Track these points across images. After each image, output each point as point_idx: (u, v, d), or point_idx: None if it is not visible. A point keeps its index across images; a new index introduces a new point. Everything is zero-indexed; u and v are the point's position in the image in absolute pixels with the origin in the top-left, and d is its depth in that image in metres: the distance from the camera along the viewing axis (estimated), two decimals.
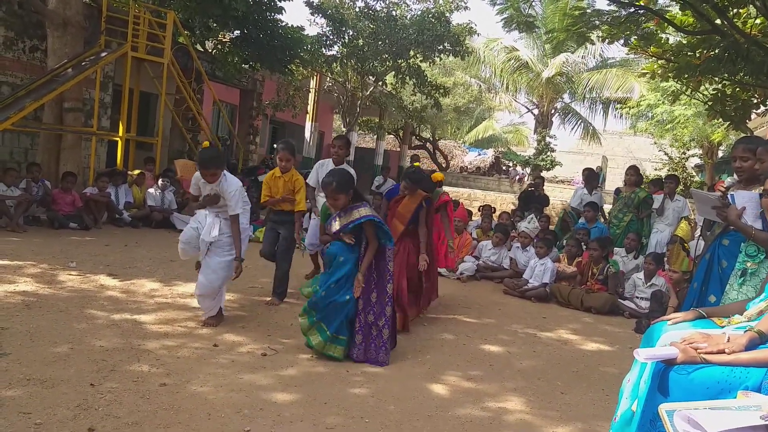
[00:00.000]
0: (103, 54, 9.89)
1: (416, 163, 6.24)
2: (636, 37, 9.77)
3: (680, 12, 9.33)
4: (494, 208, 10.73)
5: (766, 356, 2.18)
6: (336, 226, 4.13)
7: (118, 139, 10.60)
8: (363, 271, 4.07)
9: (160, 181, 9.52)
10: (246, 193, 4.78)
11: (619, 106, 24.53)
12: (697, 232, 7.13)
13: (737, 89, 10.66)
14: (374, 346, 4.09)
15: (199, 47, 13.56)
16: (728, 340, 2.31)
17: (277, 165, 5.44)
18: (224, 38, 13.68)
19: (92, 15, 10.23)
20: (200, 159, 4.45)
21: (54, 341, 3.77)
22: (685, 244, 7.24)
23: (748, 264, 3.44)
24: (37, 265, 5.73)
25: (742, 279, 3.45)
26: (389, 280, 4.15)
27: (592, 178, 9.47)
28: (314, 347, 4.05)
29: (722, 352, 2.23)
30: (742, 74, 9.21)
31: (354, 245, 4.12)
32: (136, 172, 9.97)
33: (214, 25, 12.36)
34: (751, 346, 2.25)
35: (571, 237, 8.20)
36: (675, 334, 2.53)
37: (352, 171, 4.94)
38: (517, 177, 27.05)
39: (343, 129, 21.97)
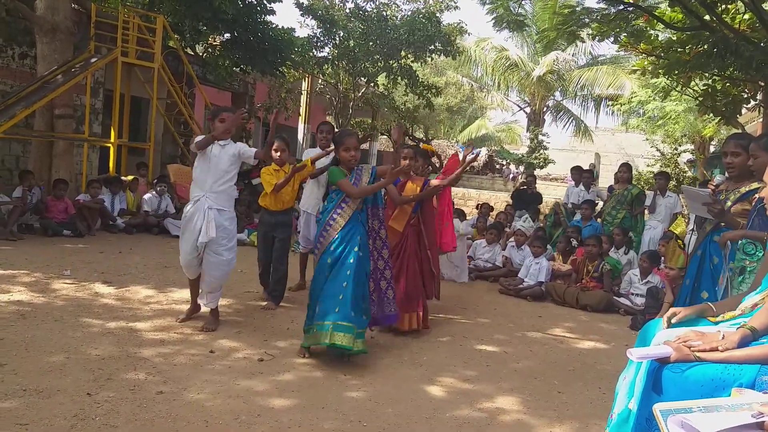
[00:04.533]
0: (93, 60, 9.86)
1: (426, 146, 6.24)
2: (626, 34, 9.84)
3: (669, 9, 9.39)
4: (492, 207, 10.73)
5: (760, 353, 2.19)
6: (366, 177, 4.29)
7: (110, 145, 10.56)
8: (379, 186, 4.30)
9: (157, 187, 9.51)
10: (238, 193, 4.76)
11: (610, 103, 24.64)
12: (690, 226, 7.18)
13: (727, 84, 10.74)
14: (386, 301, 4.47)
15: (189, 51, 13.55)
16: (723, 338, 2.32)
17: (272, 158, 5.37)
18: (215, 41, 13.66)
19: (81, 20, 10.20)
20: (213, 111, 4.61)
21: (49, 351, 3.76)
22: (679, 241, 7.28)
23: (747, 262, 3.44)
24: (30, 273, 5.71)
25: (741, 277, 3.44)
26: (386, 246, 4.56)
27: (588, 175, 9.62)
28: (331, 344, 3.93)
29: (716, 349, 2.24)
30: (731, 69, 9.28)
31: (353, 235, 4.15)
32: (130, 177, 9.95)
33: (204, 28, 12.34)
34: (743, 342, 2.25)
35: (562, 233, 8.25)
36: (670, 332, 2.54)
37: None
38: (511, 175, 27.15)
39: (336, 131, 21.94)
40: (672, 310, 2.64)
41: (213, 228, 4.43)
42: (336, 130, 6.18)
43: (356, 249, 4.06)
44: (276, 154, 5.35)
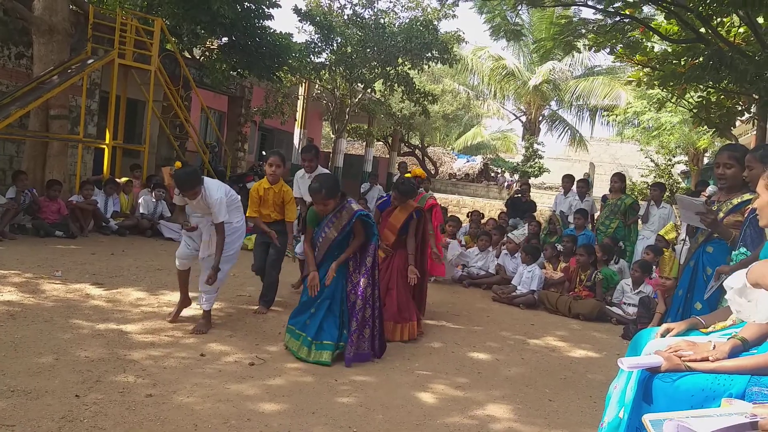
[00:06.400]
0: (90, 61, 9.82)
1: (407, 174, 6.19)
2: (622, 45, 9.88)
3: (665, 21, 9.45)
4: (483, 214, 10.77)
5: (750, 363, 2.19)
6: (333, 233, 4.26)
7: (104, 146, 10.52)
8: (340, 261, 4.26)
9: (154, 192, 9.48)
10: (234, 191, 4.83)
11: (605, 113, 24.76)
12: (682, 236, 7.21)
13: (722, 97, 10.80)
14: (369, 337, 4.31)
15: (186, 54, 13.53)
16: (713, 348, 2.32)
17: (266, 173, 5.37)
18: (212, 45, 13.65)
19: (79, 22, 10.16)
20: (178, 183, 4.43)
21: (39, 352, 3.73)
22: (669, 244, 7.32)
23: None
24: (21, 274, 5.67)
25: None
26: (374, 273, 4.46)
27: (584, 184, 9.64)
28: (302, 358, 4.12)
29: (706, 359, 2.24)
30: (726, 82, 9.32)
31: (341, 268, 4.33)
32: (124, 180, 9.91)
33: (202, 32, 12.33)
34: (734, 353, 2.25)
35: (557, 241, 8.26)
36: (661, 342, 2.54)
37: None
38: (506, 183, 27.19)
39: (332, 136, 21.98)
40: (665, 326, 2.65)
41: (215, 245, 4.54)
42: (316, 151, 6.18)
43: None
44: (270, 169, 5.28)
